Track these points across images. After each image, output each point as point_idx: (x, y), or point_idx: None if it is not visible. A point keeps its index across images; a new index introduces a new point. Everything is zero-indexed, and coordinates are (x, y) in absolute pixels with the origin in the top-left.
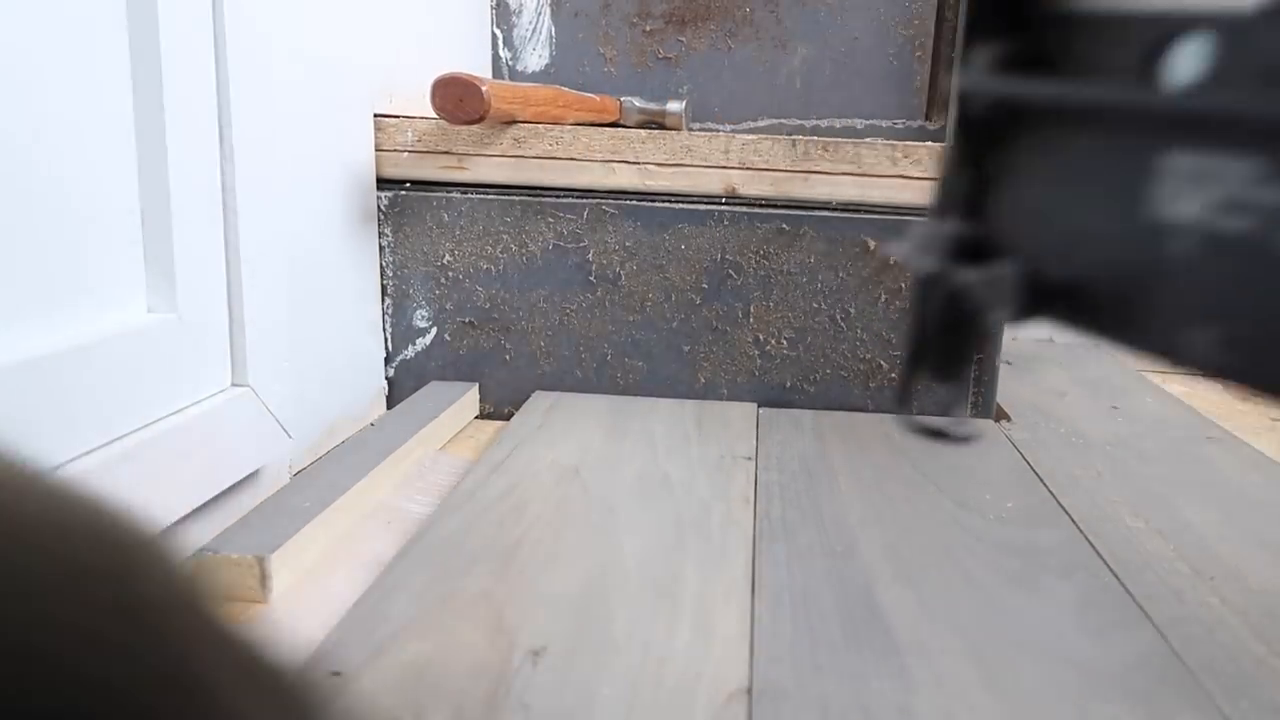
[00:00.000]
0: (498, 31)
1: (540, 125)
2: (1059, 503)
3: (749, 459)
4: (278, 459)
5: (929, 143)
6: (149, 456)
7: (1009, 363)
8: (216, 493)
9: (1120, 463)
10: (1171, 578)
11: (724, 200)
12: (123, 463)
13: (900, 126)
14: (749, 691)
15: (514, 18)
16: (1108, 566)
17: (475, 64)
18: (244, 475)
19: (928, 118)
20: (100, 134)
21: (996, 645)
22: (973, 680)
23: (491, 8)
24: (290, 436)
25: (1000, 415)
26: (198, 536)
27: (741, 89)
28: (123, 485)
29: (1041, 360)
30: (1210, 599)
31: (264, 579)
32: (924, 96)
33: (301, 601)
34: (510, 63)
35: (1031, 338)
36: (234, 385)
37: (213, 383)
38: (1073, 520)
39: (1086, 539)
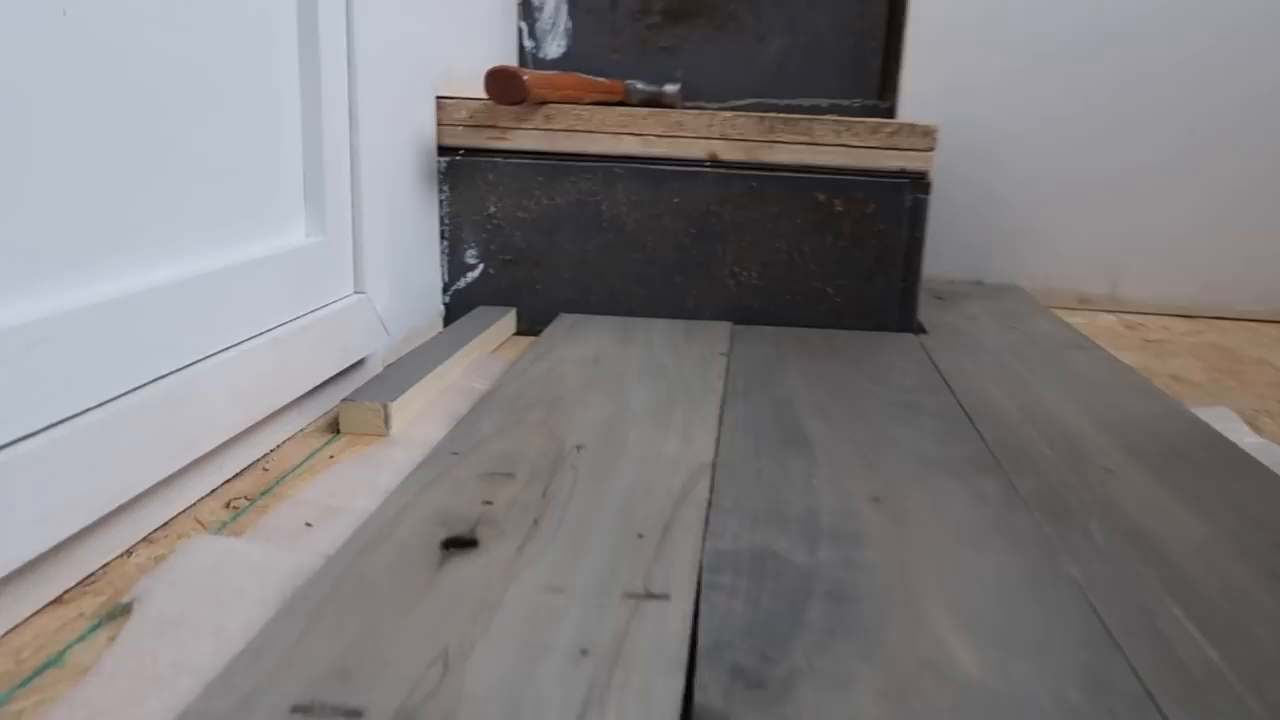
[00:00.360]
0: (523, 25)
1: (565, 105)
2: (946, 382)
3: (724, 355)
4: (378, 350)
5: (872, 119)
6: (307, 336)
7: (939, 297)
8: (343, 367)
9: (1001, 361)
10: (1006, 420)
11: (708, 164)
12: (291, 339)
13: (858, 105)
14: (713, 465)
15: (536, 14)
16: (966, 414)
17: (505, 53)
18: (359, 358)
19: (880, 98)
20: (283, 120)
21: (875, 447)
22: (855, 462)
23: (518, 5)
24: (389, 334)
25: (919, 330)
26: (331, 397)
27: (727, 73)
28: (290, 356)
29: (968, 297)
30: (1028, 429)
31: (386, 419)
32: (877, 80)
33: (410, 435)
34: (533, 51)
35: (964, 280)
36: (355, 292)
37: (343, 288)
38: (952, 391)
39: (958, 401)
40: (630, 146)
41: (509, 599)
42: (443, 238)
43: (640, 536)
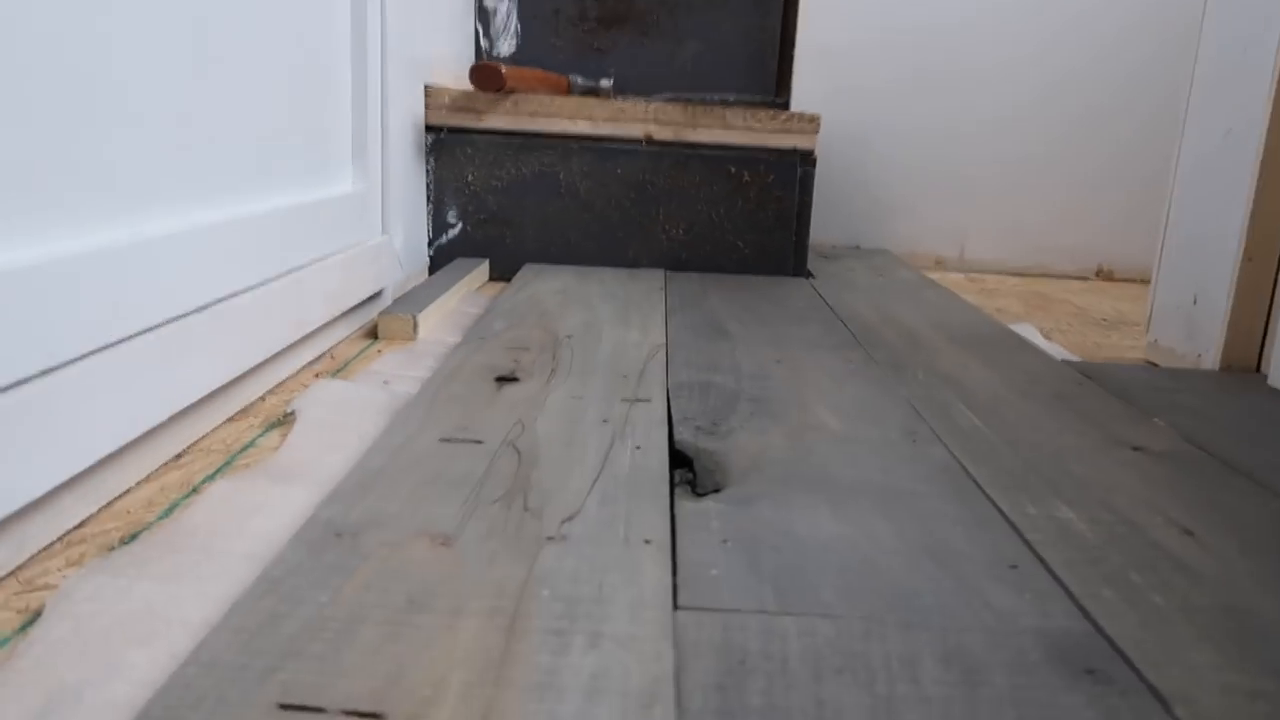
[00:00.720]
0: (479, 26)
1: (530, 93)
2: (828, 304)
3: (661, 290)
4: (393, 282)
5: (772, 109)
6: (351, 265)
7: (825, 256)
8: (378, 289)
9: (869, 294)
10: (870, 324)
11: (644, 142)
12: (340, 268)
13: (759, 100)
14: (665, 346)
15: (491, 17)
16: (841, 322)
17: (465, 50)
18: (381, 287)
19: (777, 94)
20: (340, 99)
21: (776, 338)
22: (763, 344)
23: (475, 10)
24: (402, 270)
25: (809, 275)
26: (362, 316)
27: (651, 71)
28: (351, 272)
29: (848, 257)
30: (884, 329)
31: (415, 327)
32: (775, 80)
33: (432, 339)
34: (488, 49)
35: (845, 245)
36: (382, 233)
37: (375, 230)
38: (832, 310)
39: (836, 315)
40: (583, 128)
41: (549, 401)
42: (429, 200)
43: (624, 376)
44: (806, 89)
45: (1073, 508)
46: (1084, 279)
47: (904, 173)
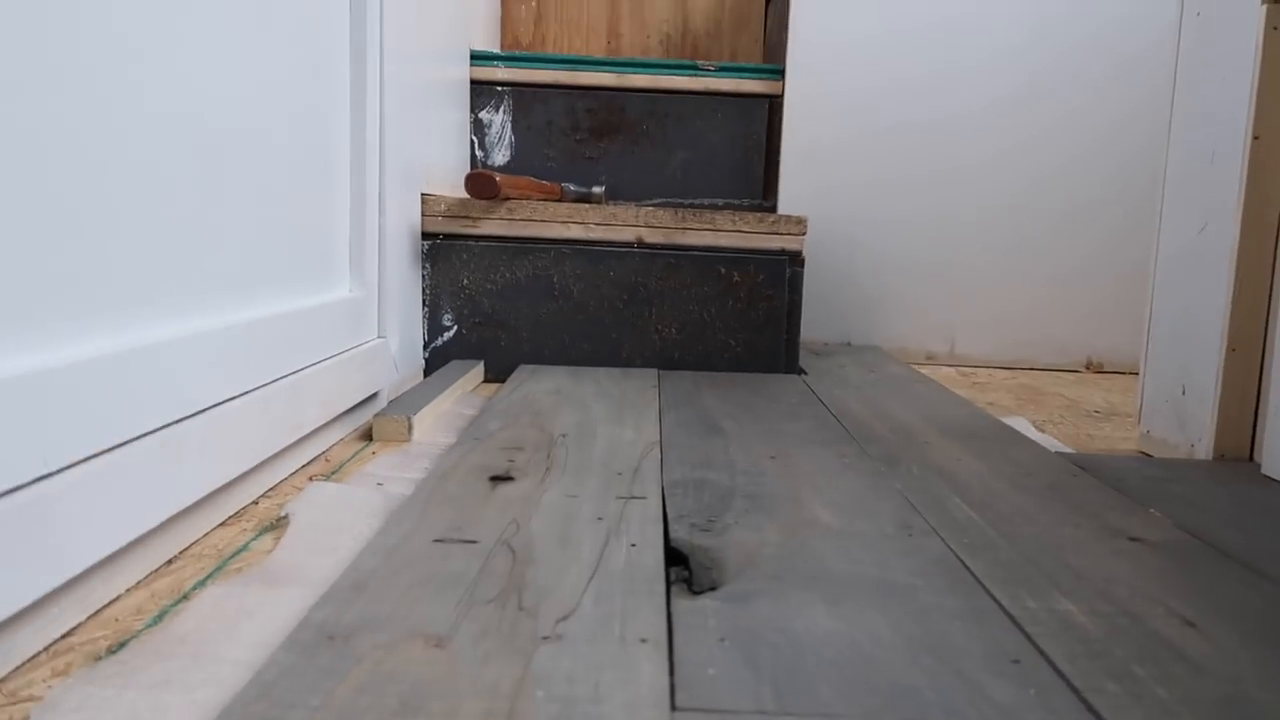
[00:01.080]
0: (475, 138)
1: (523, 200)
2: (820, 400)
3: (655, 388)
4: (389, 385)
5: (759, 212)
6: (346, 369)
7: (816, 353)
8: (373, 392)
9: (861, 390)
10: (862, 419)
11: (635, 245)
12: (336, 371)
13: (746, 203)
14: (659, 443)
15: (486, 130)
16: (834, 417)
17: (462, 159)
18: (377, 389)
19: (764, 197)
20: (339, 210)
21: (770, 434)
22: (757, 441)
23: (470, 123)
24: (398, 372)
25: (801, 371)
26: (356, 419)
27: (641, 178)
28: (346, 375)
29: (839, 353)
30: (876, 424)
31: (410, 429)
32: (761, 184)
33: (426, 440)
34: (483, 159)
35: (836, 341)
36: (378, 336)
37: (371, 333)
38: (825, 405)
39: (829, 410)
40: (575, 232)
41: (544, 500)
42: (425, 304)
43: (619, 474)
44: (793, 188)
45: (1072, 600)
46: (1074, 371)
47: (893, 267)
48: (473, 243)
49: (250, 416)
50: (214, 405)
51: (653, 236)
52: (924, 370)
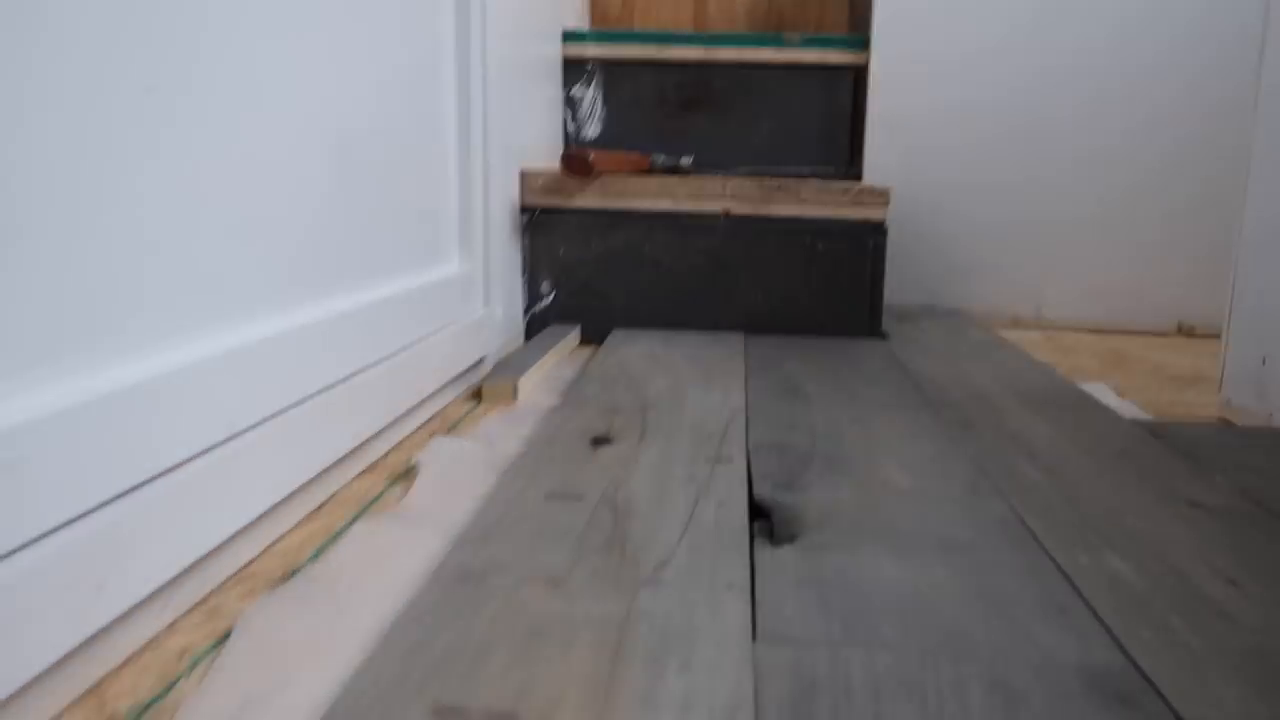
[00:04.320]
0: (568, 112)
1: (616, 174)
2: (901, 365)
3: (741, 353)
4: (493, 351)
5: (843, 182)
6: (458, 338)
7: (902, 318)
8: (480, 357)
9: (942, 355)
10: (941, 385)
11: (723, 217)
12: (450, 340)
13: (831, 172)
14: (745, 406)
15: (578, 105)
16: (913, 383)
17: (555, 133)
18: (483, 356)
19: (850, 165)
20: (450, 192)
21: (851, 399)
22: (837, 405)
23: (564, 99)
24: (502, 338)
25: (884, 337)
26: (464, 383)
27: (728, 149)
28: (450, 349)
29: (924, 318)
30: (955, 389)
31: (515, 390)
32: (847, 152)
33: (530, 402)
34: (575, 133)
35: (921, 306)
36: (485, 306)
37: (479, 304)
38: (906, 371)
39: (908, 376)
40: (665, 205)
41: (641, 460)
42: (524, 273)
43: (708, 437)
44: (878, 155)
45: (1124, 558)
46: (1164, 335)
47: (979, 231)
48: (568, 215)
49: (382, 382)
50: (356, 373)
51: (740, 208)
52: (1011, 334)
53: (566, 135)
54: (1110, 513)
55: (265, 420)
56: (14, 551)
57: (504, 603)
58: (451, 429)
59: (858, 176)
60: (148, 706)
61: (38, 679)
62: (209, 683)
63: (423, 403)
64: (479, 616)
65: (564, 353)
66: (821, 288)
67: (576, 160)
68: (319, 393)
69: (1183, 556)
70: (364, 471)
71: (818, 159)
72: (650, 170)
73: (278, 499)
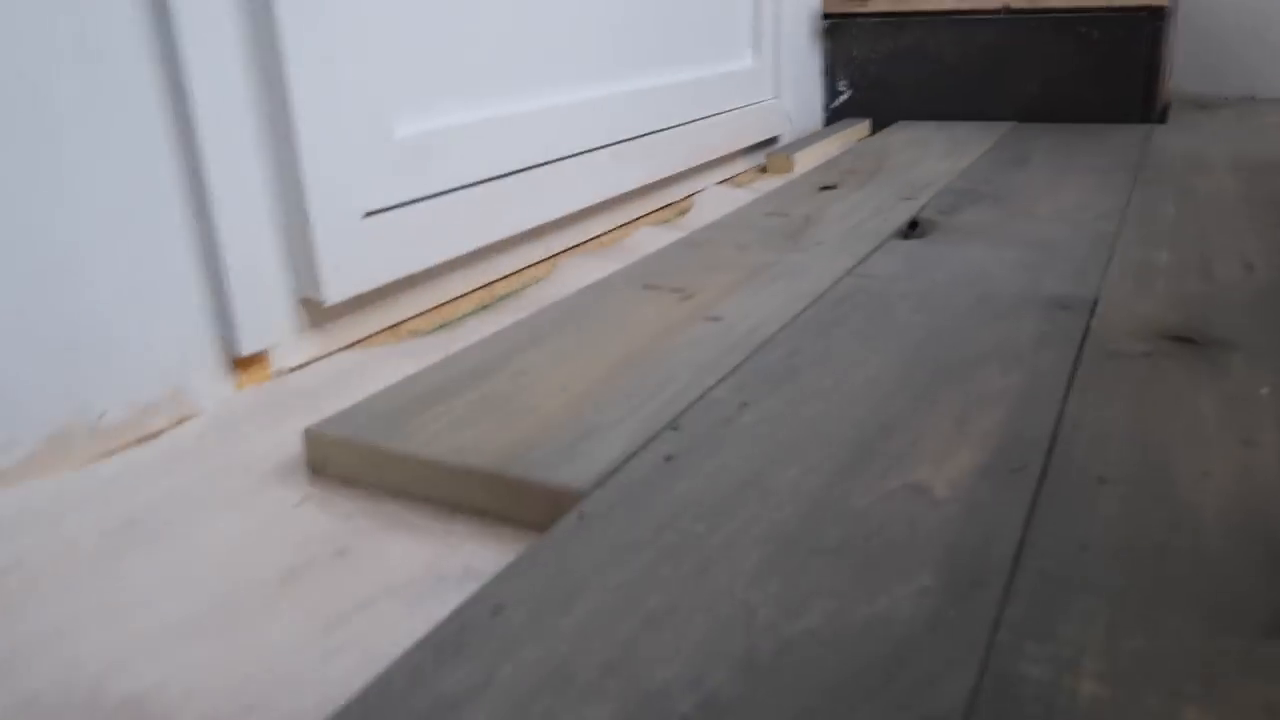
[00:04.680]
0: None
1: None
2: (1145, 143)
3: (1000, 136)
4: (786, 133)
5: None
6: (755, 113)
7: (1203, 107)
8: (767, 137)
9: (1205, 136)
10: (1170, 157)
11: (1002, 13)
12: (734, 118)
13: None
14: (963, 172)
15: None
16: (1140, 155)
17: None
18: (774, 136)
19: None
20: (744, 4)
21: (1067, 166)
22: (1050, 170)
23: None
24: (791, 124)
25: (1160, 121)
26: (758, 157)
27: None
28: (748, 120)
29: (1232, 107)
30: (1176, 162)
31: (792, 163)
32: None
33: (805, 170)
34: None
35: (1238, 97)
36: (773, 97)
37: (767, 93)
38: (1148, 147)
39: (1149, 152)
40: (949, 4)
41: (850, 199)
42: (824, 74)
43: (915, 187)
44: None
45: (1174, 254)
46: None
47: None
48: (863, 20)
49: (674, 142)
50: (651, 133)
51: (1019, 2)
52: None
53: None
54: (1209, 235)
55: (580, 153)
56: (437, 195)
57: (707, 252)
58: (737, 185)
59: None
60: (516, 292)
61: (463, 257)
62: (555, 275)
63: (714, 165)
64: (689, 257)
65: (850, 139)
66: (1094, 75)
67: None
68: (620, 142)
69: (1250, 252)
70: (663, 207)
71: None
72: None
73: (591, 203)
